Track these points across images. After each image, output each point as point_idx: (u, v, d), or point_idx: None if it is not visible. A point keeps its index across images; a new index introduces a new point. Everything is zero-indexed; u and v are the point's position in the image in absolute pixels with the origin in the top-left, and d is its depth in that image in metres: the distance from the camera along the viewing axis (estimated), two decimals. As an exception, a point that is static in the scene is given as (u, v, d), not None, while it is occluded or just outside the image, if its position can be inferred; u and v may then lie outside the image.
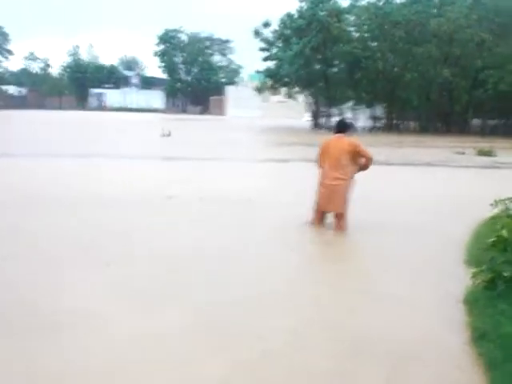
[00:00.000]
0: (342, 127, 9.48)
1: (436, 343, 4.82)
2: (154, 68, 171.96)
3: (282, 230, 9.05)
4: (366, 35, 49.72)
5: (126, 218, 9.61)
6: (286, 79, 52.60)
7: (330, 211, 9.13)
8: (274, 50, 53.44)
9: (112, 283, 6.15)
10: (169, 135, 32.19)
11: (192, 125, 52.96)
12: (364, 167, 9.18)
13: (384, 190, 13.50)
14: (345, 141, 9.10)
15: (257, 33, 52.89)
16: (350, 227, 9.12)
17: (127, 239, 8.19)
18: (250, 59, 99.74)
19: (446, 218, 10.49)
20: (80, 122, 49.89)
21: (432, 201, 12.31)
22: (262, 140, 34.62)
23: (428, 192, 13.81)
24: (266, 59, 53.62)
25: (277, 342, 4.70)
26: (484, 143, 30.55)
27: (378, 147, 28.42)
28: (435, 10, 47.37)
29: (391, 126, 52.59)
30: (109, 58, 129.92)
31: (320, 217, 9.19)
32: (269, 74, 53.14)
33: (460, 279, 6.48)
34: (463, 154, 25.66)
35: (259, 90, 56.26)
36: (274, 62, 52.90)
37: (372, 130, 51.74)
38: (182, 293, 5.92)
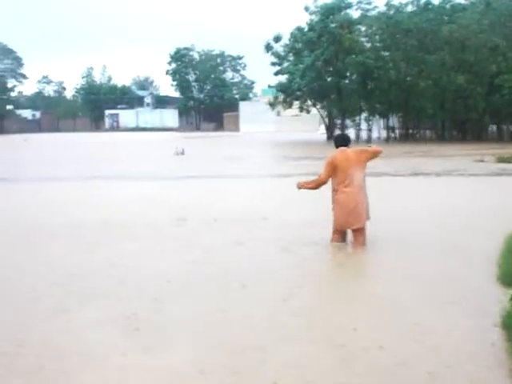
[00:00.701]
0: (343, 141, 9.27)
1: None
2: (167, 87, 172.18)
3: (301, 251, 8.57)
4: (377, 45, 49.15)
5: (135, 245, 9.17)
6: (298, 93, 52.20)
7: (349, 228, 8.84)
8: (286, 64, 53.05)
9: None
10: (182, 153, 32.00)
11: (206, 142, 52.78)
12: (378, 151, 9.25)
13: (405, 202, 13.04)
14: (350, 152, 8.91)
15: (268, 47, 52.57)
16: (370, 243, 8.74)
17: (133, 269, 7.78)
18: (263, 74, 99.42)
19: (470, 230, 9.96)
20: (92, 143, 49.86)
21: (454, 212, 11.76)
22: (276, 155, 34.19)
23: (449, 202, 13.20)
24: (277, 73, 53.26)
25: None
26: (503, 150, 29.94)
27: (395, 158, 28.20)
28: (446, 17, 46.63)
29: (407, 135, 51.97)
30: (122, 78, 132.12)
31: (339, 235, 8.91)
32: (281, 88, 52.68)
33: (495, 300, 5.97)
34: (482, 161, 25.02)
35: (272, 104, 55.81)
36: (285, 76, 52.48)
37: (388, 140, 51.27)
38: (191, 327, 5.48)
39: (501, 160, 24.57)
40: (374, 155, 9.13)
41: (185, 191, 16.40)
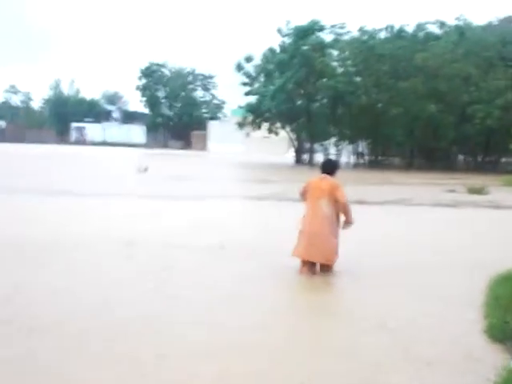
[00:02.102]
0: (329, 167, 8.64)
1: None
2: (136, 102, 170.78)
3: (262, 284, 7.74)
4: (350, 70, 48.51)
5: (69, 270, 8.01)
6: (268, 114, 51.50)
7: (309, 259, 8.19)
8: (256, 85, 52.38)
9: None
10: (146, 170, 30.92)
11: (172, 160, 51.53)
12: (346, 222, 8.38)
13: (377, 235, 12.07)
14: (327, 181, 8.25)
15: (239, 67, 51.97)
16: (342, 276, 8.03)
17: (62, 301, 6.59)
18: (234, 94, 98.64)
19: (451, 270, 9.01)
20: (55, 156, 48.18)
21: (430, 247, 10.84)
22: (241, 176, 33.17)
23: (425, 237, 12.27)
24: (247, 94, 52.53)
25: None
26: (472, 180, 29.40)
27: (363, 185, 27.41)
28: (420, 45, 46.33)
29: (375, 162, 51.58)
30: (91, 92, 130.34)
31: (307, 266, 8.22)
32: (250, 108, 51.89)
33: (486, 360, 5.05)
34: (453, 191, 24.29)
35: (241, 125, 54.98)
36: (255, 97, 51.72)
37: (356, 166, 50.83)
38: None
39: (472, 191, 23.83)
40: (343, 212, 8.29)
41: (134, 211, 15.21)
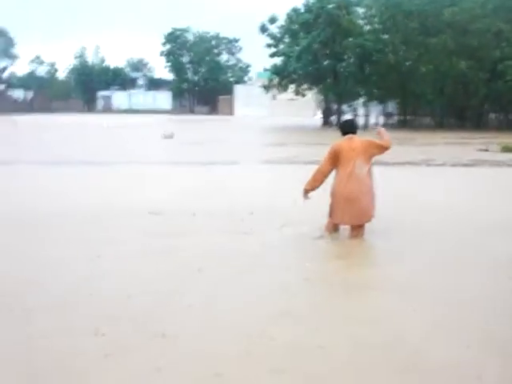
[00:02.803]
0: (351, 128, 8.22)
1: None
2: (161, 69, 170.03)
3: (296, 252, 7.45)
4: (376, 27, 47.37)
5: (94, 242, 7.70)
6: (294, 76, 50.46)
7: (349, 224, 8.02)
8: (281, 47, 51.28)
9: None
10: (171, 137, 30.71)
11: (198, 125, 51.15)
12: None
13: (413, 195, 11.57)
14: (356, 141, 7.97)
15: (263, 29, 50.87)
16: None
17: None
18: (259, 57, 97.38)
19: (490, 232, 8.48)
20: (81, 125, 48.08)
21: (468, 209, 10.30)
22: (268, 140, 32.50)
23: (462, 197, 11.73)
24: (272, 55, 51.37)
25: None
26: (505, 139, 28.47)
27: (394, 145, 26.74)
28: (448, 0, 44.84)
29: (405, 122, 50.52)
30: (116, 59, 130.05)
31: (334, 225, 8.14)
32: (275, 70, 50.91)
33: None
34: (486, 150, 23.52)
35: (266, 87, 54.13)
36: (281, 59, 50.72)
37: (385, 126, 49.84)
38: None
39: (506, 149, 23.06)
40: (381, 151, 8.08)
41: (163, 179, 14.87)
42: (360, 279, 6.32)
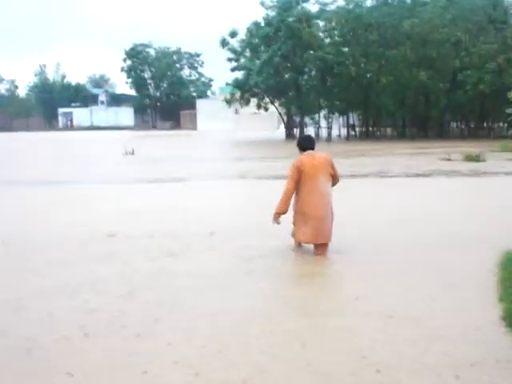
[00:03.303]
0: (309, 143, 8.00)
1: None
2: (123, 85, 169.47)
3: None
4: (337, 40, 47.59)
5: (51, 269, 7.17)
6: (255, 89, 50.43)
7: (315, 243, 7.74)
8: (242, 60, 51.20)
9: None
10: (132, 153, 30.32)
11: (160, 141, 50.65)
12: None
13: (375, 209, 11.29)
14: (318, 157, 7.76)
15: (223, 43, 50.69)
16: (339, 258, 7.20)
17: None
18: (221, 72, 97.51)
19: (456, 245, 8.22)
20: (39, 143, 47.20)
21: (432, 221, 10.03)
22: (230, 155, 32.15)
23: (427, 209, 11.44)
24: (233, 69, 51.32)
25: None
26: (466, 148, 28.62)
27: (358, 157, 26.67)
28: (408, 12, 45.26)
29: (367, 133, 50.82)
30: (78, 76, 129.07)
31: (319, 247, 7.79)
32: (237, 84, 50.80)
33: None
34: (449, 160, 23.48)
35: (228, 101, 53.91)
36: (242, 73, 50.64)
37: (348, 138, 50.09)
38: None
39: (469, 158, 23.05)
40: (335, 180, 7.95)
41: (119, 198, 14.35)
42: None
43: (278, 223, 7.74)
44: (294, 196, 7.74)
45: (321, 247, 7.72)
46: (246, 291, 6.21)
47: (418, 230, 9.30)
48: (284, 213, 7.68)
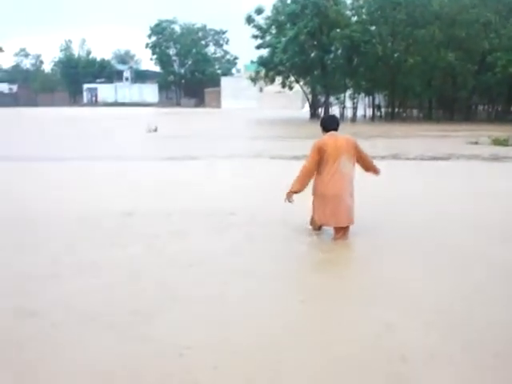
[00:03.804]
0: (336, 124, 7.72)
1: None
2: (148, 61, 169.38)
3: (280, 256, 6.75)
4: (364, 18, 46.73)
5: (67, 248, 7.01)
6: (280, 68, 49.86)
7: (334, 226, 7.49)
8: (268, 38, 50.60)
9: None
10: (155, 131, 30.34)
11: (183, 119, 50.44)
12: (375, 172, 7.95)
13: (404, 194, 10.97)
14: (341, 138, 7.44)
15: (249, 20, 50.10)
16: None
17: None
18: (247, 50, 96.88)
19: (490, 236, 7.85)
20: (64, 119, 47.25)
21: (466, 210, 9.67)
22: (253, 133, 31.85)
23: (462, 197, 10.96)
24: (259, 47, 50.74)
25: None
26: (494, 131, 27.92)
27: (384, 138, 26.21)
28: (437, -9, 44.31)
29: (393, 114, 50.03)
30: (102, 52, 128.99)
31: (339, 231, 7.52)
32: (262, 62, 50.21)
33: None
34: (476, 143, 22.96)
35: (253, 79, 53.49)
36: (267, 50, 50.06)
37: (373, 119, 49.47)
38: None
39: (497, 143, 22.48)
40: (366, 164, 7.80)
41: (142, 176, 14.16)
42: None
43: (291, 201, 7.47)
44: (313, 179, 7.49)
45: (340, 231, 7.47)
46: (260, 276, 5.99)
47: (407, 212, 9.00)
48: (298, 191, 7.42)
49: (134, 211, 9.14)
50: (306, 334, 4.55)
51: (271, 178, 12.79)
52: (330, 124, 7.65)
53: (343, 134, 7.60)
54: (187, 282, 5.79)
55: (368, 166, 7.79)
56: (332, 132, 7.51)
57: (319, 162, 7.35)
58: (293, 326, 4.73)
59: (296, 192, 7.44)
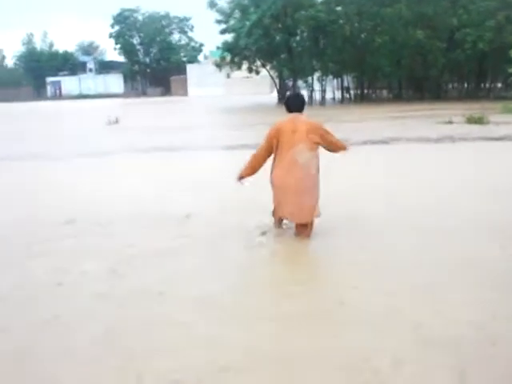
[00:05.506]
0: (300, 104, 6.65)
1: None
2: (113, 52, 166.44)
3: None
4: (329, -2, 45.71)
5: None
6: (246, 52, 48.69)
7: (290, 220, 6.76)
8: (232, 22, 49.21)
9: None
10: (116, 122, 29.03)
11: (148, 108, 48.96)
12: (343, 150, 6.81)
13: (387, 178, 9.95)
14: (303, 122, 6.46)
15: (212, 3, 48.82)
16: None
17: None
18: (212, 36, 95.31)
19: (470, 220, 7.02)
20: (23, 114, 45.54)
21: (444, 193, 8.73)
22: (221, 122, 30.64)
23: (438, 178, 10.06)
24: (223, 32, 49.36)
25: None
26: (466, 110, 27.02)
27: (356, 122, 25.19)
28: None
29: (362, 96, 49.23)
30: (67, 44, 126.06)
31: (299, 227, 6.70)
32: (227, 47, 48.87)
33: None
34: (451, 123, 22.01)
35: (219, 65, 52.21)
36: (231, 35, 48.72)
37: (342, 101, 48.57)
38: None
39: (471, 121, 21.62)
40: (332, 147, 6.68)
41: (94, 175, 12.87)
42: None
43: (243, 185, 6.83)
44: (271, 168, 6.62)
45: (302, 228, 6.64)
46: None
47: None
48: (246, 176, 6.73)
49: (74, 219, 7.91)
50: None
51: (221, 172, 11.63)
52: (293, 103, 6.60)
53: (309, 117, 6.55)
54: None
55: (337, 146, 6.70)
56: (295, 114, 6.55)
57: (271, 150, 6.54)
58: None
59: (243, 176, 6.77)
